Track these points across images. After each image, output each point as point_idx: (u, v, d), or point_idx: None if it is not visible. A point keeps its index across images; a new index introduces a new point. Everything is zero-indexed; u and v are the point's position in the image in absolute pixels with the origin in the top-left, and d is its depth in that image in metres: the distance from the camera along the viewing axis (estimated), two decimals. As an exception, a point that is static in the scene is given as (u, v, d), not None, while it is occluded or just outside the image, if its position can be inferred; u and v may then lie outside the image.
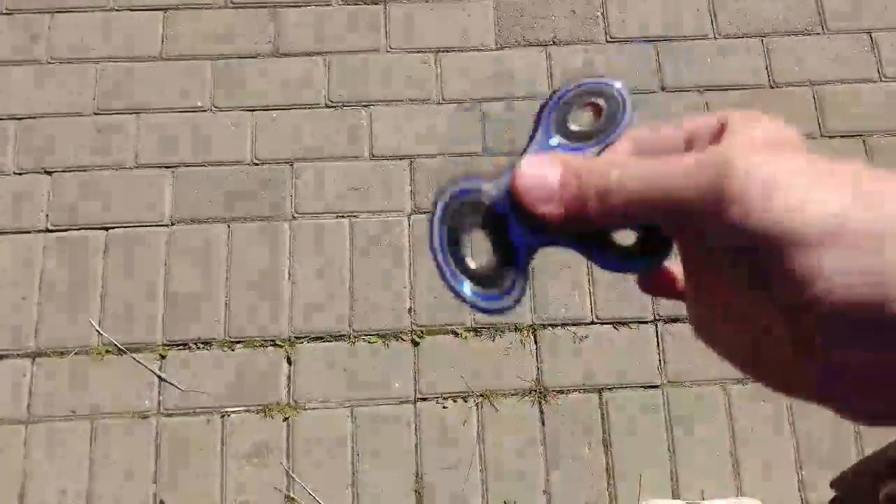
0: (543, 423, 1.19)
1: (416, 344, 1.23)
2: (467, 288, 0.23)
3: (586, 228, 0.21)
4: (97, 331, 1.22)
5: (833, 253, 0.17)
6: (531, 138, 0.24)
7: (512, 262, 0.23)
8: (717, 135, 0.22)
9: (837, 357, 0.18)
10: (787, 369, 0.20)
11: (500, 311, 0.23)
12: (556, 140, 0.23)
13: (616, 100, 0.24)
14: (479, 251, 0.23)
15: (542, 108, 0.24)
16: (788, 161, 0.18)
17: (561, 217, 0.21)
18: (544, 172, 0.21)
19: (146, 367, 1.20)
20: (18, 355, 1.21)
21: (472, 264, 0.23)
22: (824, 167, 0.18)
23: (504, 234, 0.23)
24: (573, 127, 0.24)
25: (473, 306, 0.23)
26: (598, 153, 0.23)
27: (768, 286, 0.18)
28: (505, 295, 0.23)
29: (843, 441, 1.18)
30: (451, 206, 0.23)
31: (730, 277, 0.20)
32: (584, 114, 0.24)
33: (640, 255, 0.24)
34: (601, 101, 0.24)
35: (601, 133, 0.23)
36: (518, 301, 0.23)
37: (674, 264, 0.25)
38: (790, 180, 0.18)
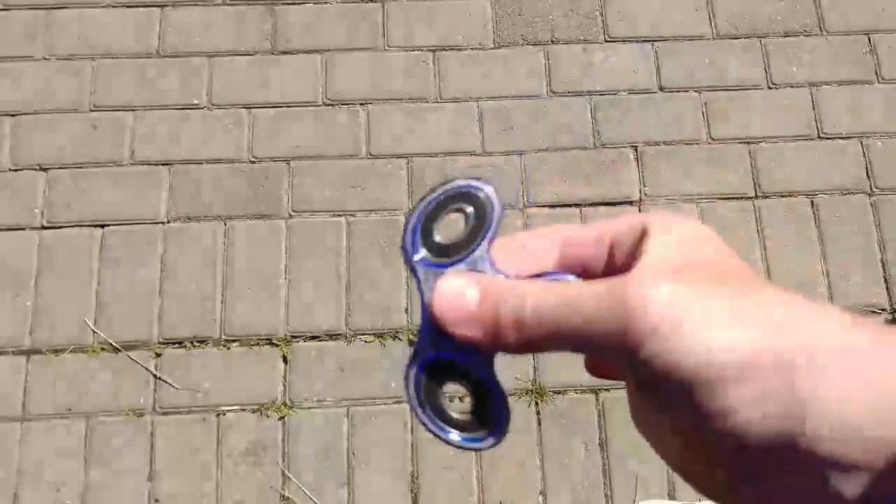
0: (540, 424, 1.19)
1: (412, 343, 1.23)
2: (455, 436, 0.23)
3: (493, 350, 0.22)
4: (92, 329, 1.22)
5: (743, 390, 0.17)
6: (403, 250, 0.23)
7: (486, 399, 0.23)
8: (639, 241, 0.22)
9: (747, 491, 0.18)
10: (709, 485, 0.20)
11: (492, 447, 0.23)
12: (419, 255, 0.23)
13: (484, 206, 0.23)
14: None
15: (408, 219, 0.24)
16: (693, 294, 0.18)
17: (474, 340, 0.21)
18: (465, 291, 0.21)
19: (142, 365, 1.20)
20: (14, 353, 1.20)
21: (453, 414, 0.23)
22: (730, 297, 0.18)
23: (472, 376, 0.23)
24: (438, 239, 0.23)
25: (468, 449, 0.23)
26: (468, 269, 0.22)
27: (685, 417, 0.18)
28: (490, 436, 0.23)
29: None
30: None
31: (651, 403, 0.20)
32: (452, 220, 0.23)
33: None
34: (468, 208, 0.23)
35: (466, 246, 0.23)
36: (505, 434, 0.23)
37: None
38: (694, 317, 0.18)
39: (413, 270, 0.23)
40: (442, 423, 0.23)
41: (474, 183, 0.23)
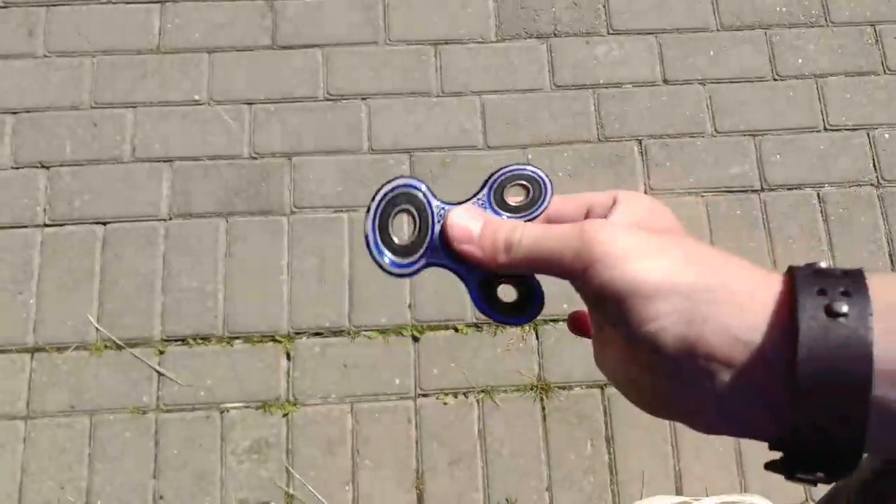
0: (545, 419, 1.18)
1: (416, 339, 1.22)
2: (387, 258, 0.29)
3: (493, 269, 0.29)
4: (95, 326, 1.21)
5: (659, 305, 0.23)
6: (474, 194, 0.31)
7: (426, 239, 0.29)
8: (611, 207, 0.29)
9: (668, 389, 0.25)
10: (648, 394, 0.27)
11: (409, 276, 0.29)
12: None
13: (540, 185, 0.31)
14: (399, 230, 0.30)
15: (488, 178, 0.31)
16: (637, 237, 0.25)
17: (475, 256, 0.28)
18: (469, 223, 0.29)
19: (145, 362, 1.20)
20: (17, 350, 1.20)
21: (394, 239, 0.29)
22: (663, 242, 0.25)
23: (423, 214, 0.30)
24: (510, 202, 0.31)
25: (387, 272, 0.29)
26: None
27: (620, 326, 0.24)
28: (415, 265, 0.29)
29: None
30: (390, 193, 0.29)
31: (599, 319, 0.28)
32: (514, 189, 0.31)
33: (515, 312, 0.31)
34: (529, 185, 0.31)
35: (527, 209, 0.31)
36: (422, 269, 0.30)
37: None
38: (629, 252, 0.24)
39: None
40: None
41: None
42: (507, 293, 0.31)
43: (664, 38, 1.42)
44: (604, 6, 1.44)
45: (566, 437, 1.18)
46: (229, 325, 1.22)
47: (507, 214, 0.31)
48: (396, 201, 0.29)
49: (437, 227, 0.29)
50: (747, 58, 1.41)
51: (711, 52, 1.41)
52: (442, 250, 0.29)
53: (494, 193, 0.31)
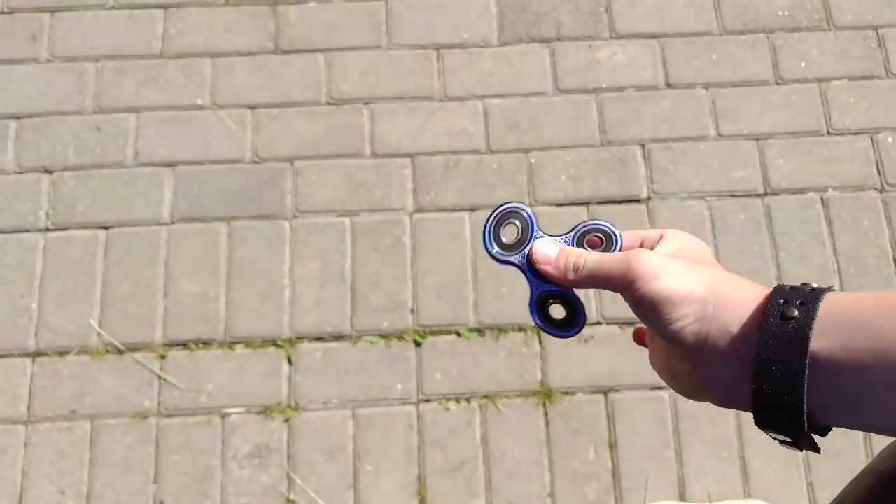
0: (548, 425, 1.18)
1: (418, 344, 1.22)
2: (494, 248, 0.42)
3: (563, 284, 0.40)
4: (97, 331, 1.21)
5: (681, 310, 0.32)
6: (563, 234, 0.42)
7: (523, 247, 0.42)
8: (657, 241, 0.39)
9: (689, 372, 0.35)
10: (683, 381, 0.37)
11: (502, 264, 0.41)
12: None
13: (613, 239, 0.41)
14: (507, 235, 0.42)
15: (576, 225, 0.42)
16: (668, 262, 0.34)
17: (550, 274, 0.40)
18: (549, 250, 0.40)
19: (146, 367, 1.20)
20: (18, 355, 1.20)
21: (503, 238, 0.42)
22: (688, 266, 0.34)
23: (526, 229, 0.42)
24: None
25: (491, 256, 0.41)
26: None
27: (654, 327, 0.34)
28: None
29: (853, 441, 1.16)
30: (508, 209, 0.42)
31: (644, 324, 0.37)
32: (593, 238, 0.41)
33: (564, 326, 0.41)
34: (604, 237, 0.41)
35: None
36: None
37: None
38: (665, 272, 0.33)
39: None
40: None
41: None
42: (556, 312, 0.41)
43: (667, 42, 1.42)
44: (606, 10, 1.44)
45: (569, 443, 1.17)
46: (231, 329, 1.22)
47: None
48: (510, 216, 0.42)
49: (530, 246, 0.41)
50: (750, 62, 1.41)
51: (714, 56, 1.41)
52: (527, 266, 0.41)
53: (577, 238, 0.41)
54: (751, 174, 1.33)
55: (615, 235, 0.41)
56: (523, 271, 0.41)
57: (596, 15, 1.44)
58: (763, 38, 1.42)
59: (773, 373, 0.29)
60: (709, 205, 1.31)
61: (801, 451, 0.33)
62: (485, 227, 0.42)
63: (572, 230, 0.42)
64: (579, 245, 0.41)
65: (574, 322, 0.41)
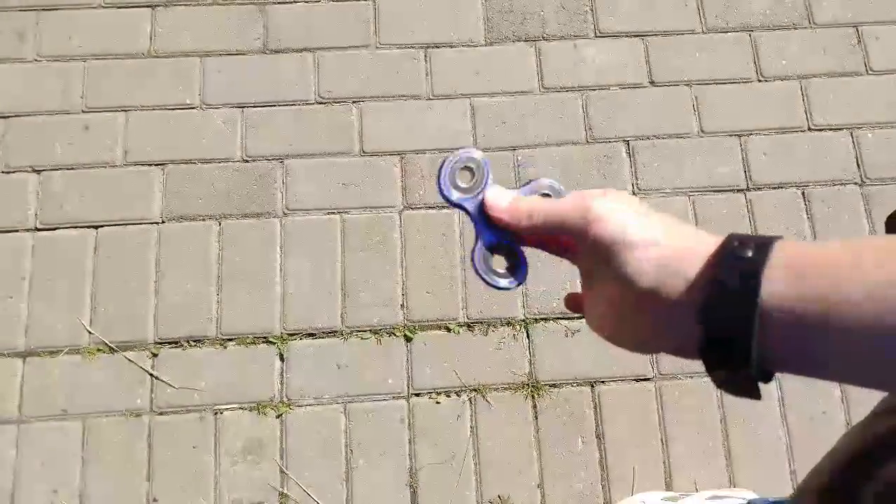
0: (536, 417, 1.20)
1: (408, 339, 1.23)
2: (452, 191, 0.42)
3: (516, 230, 0.39)
4: (87, 330, 1.21)
5: (642, 250, 0.32)
6: (439, 188, 0.42)
7: (477, 191, 0.42)
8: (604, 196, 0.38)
9: (640, 320, 0.34)
10: (628, 333, 0.35)
11: (455, 207, 0.41)
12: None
13: (482, 168, 0.42)
14: (463, 180, 0.42)
15: (528, 182, 0.42)
16: (625, 204, 0.34)
17: (503, 221, 0.40)
18: (502, 197, 0.40)
19: (138, 365, 1.20)
20: (9, 355, 1.20)
21: (459, 183, 0.42)
22: (643, 210, 0.34)
23: (480, 174, 0.42)
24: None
25: (446, 198, 0.41)
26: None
27: (609, 267, 0.33)
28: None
29: (835, 429, 1.19)
30: (463, 155, 0.42)
31: (594, 270, 0.36)
32: (463, 173, 0.42)
33: (505, 277, 0.42)
34: (473, 166, 0.42)
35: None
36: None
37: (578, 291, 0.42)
38: (624, 214, 0.34)
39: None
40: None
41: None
42: (498, 263, 0.42)
43: (651, 40, 1.44)
44: (591, 9, 1.46)
45: (557, 434, 1.19)
46: (222, 327, 1.23)
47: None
48: (466, 162, 0.42)
49: (483, 193, 0.41)
50: (732, 59, 1.43)
51: (697, 54, 1.43)
52: (478, 213, 0.41)
53: (450, 180, 0.42)
54: (733, 170, 1.36)
55: (563, 193, 0.41)
56: (473, 219, 0.41)
57: (581, 14, 1.45)
58: (745, 35, 1.45)
59: (726, 305, 0.29)
60: (692, 200, 1.34)
61: (743, 396, 0.33)
62: (440, 169, 0.42)
63: (522, 187, 0.42)
64: (455, 186, 0.42)
65: (516, 274, 0.41)
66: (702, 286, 0.30)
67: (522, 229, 0.38)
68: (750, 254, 0.29)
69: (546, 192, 0.42)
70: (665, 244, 0.32)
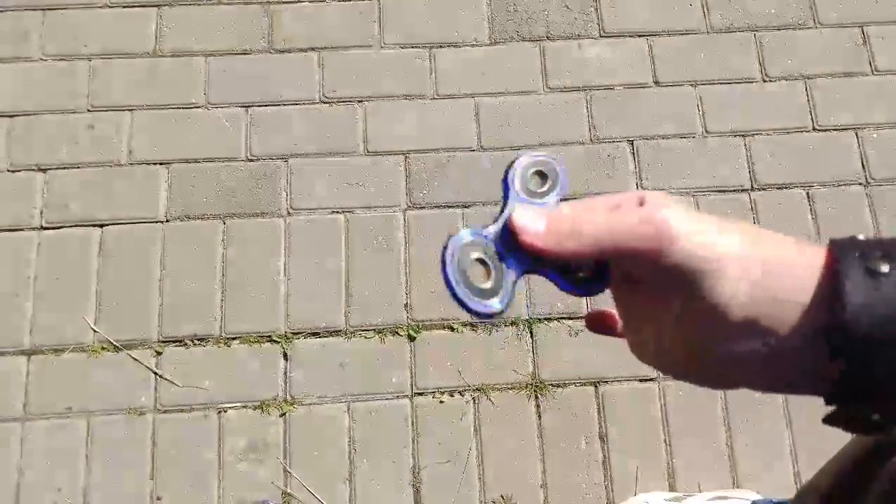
0: (540, 417, 1.20)
1: (412, 339, 1.23)
2: (473, 304, 0.30)
3: (559, 259, 0.29)
4: (92, 329, 1.22)
5: (732, 273, 0.25)
6: (505, 197, 0.32)
7: (502, 283, 0.30)
8: (640, 205, 0.30)
9: (721, 351, 0.27)
10: (712, 371, 0.28)
11: (489, 317, 0.30)
12: (523, 195, 0.32)
13: (556, 171, 0.33)
14: (478, 277, 0.30)
15: (507, 171, 0.33)
16: (698, 217, 0.27)
17: (543, 249, 0.29)
18: (534, 219, 0.29)
19: (142, 363, 1.20)
20: (14, 353, 1.20)
21: (479, 284, 0.30)
22: (720, 221, 0.27)
23: (496, 261, 0.31)
24: (531, 187, 0.32)
25: (475, 312, 0.30)
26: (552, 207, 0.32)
27: (690, 300, 0.26)
28: (498, 305, 0.30)
29: (838, 431, 1.19)
30: (460, 245, 0.30)
31: (652, 298, 0.29)
32: (533, 177, 0.33)
33: (586, 283, 0.32)
34: (545, 170, 0.33)
35: (548, 193, 0.32)
36: (505, 308, 0.30)
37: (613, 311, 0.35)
38: (705, 232, 0.26)
39: (504, 198, 0.32)
40: (467, 290, 0.30)
41: (547, 156, 0.33)
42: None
43: (655, 40, 1.44)
44: (595, 9, 1.46)
45: (560, 434, 1.19)
46: (227, 326, 1.23)
47: (535, 201, 0.33)
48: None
49: (506, 215, 0.31)
50: (737, 59, 1.43)
51: (702, 54, 1.43)
52: (500, 240, 0.31)
53: (521, 184, 0.33)
54: (738, 170, 1.35)
55: (559, 175, 0.33)
56: (495, 242, 0.31)
57: (585, 14, 1.45)
58: (749, 35, 1.45)
59: (871, 341, 0.23)
60: (696, 200, 1.34)
61: (868, 434, 0.27)
62: (511, 172, 0.33)
63: (509, 169, 0.33)
64: (526, 191, 0.32)
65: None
66: (820, 312, 0.24)
67: (565, 256, 0.28)
68: (885, 268, 0.24)
69: (539, 169, 0.33)
70: (752, 262, 0.26)
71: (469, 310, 0.29)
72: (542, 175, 0.33)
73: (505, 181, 0.32)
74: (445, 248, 0.30)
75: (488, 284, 0.30)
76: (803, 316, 0.24)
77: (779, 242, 0.27)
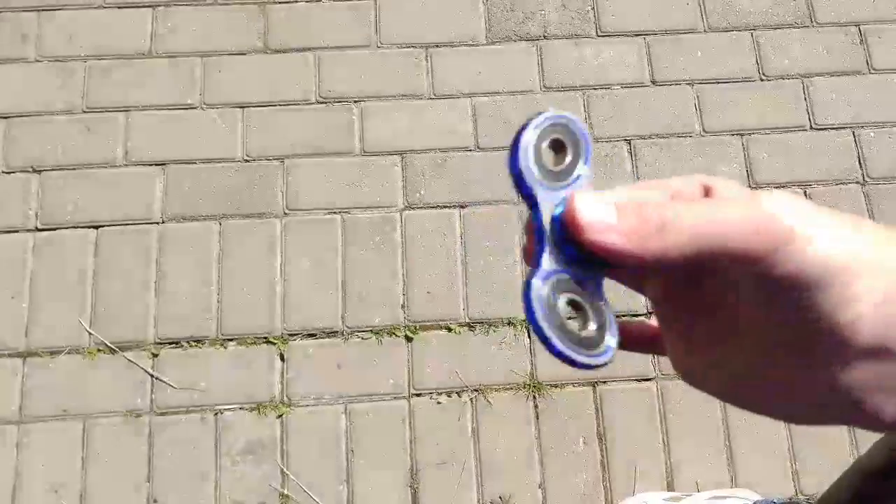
0: (538, 418, 1.19)
1: (409, 339, 1.23)
2: (584, 358, 0.23)
3: (640, 265, 0.21)
4: (88, 331, 1.21)
5: (861, 285, 0.20)
6: (522, 190, 0.24)
7: (603, 313, 0.23)
8: (706, 195, 0.24)
9: (845, 379, 0.21)
10: (805, 393, 0.22)
11: (610, 361, 0.23)
12: (544, 183, 0.23)
13: (574, 133, 0.24)
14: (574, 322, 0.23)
15: (514, 157, 0.23)
16: (820, 211, 0.21)
17: (623, 251, 0.21)
18: (605, 213, 0.21)
19: (138, 365, 1.20)
20: (9, 355, 1.20)
21: (576, 331, 0.23)
22: (842, 220, 0.21)
23: (584, 297, 0.23)
24: (548, 166, 0.24)
25: (595, 367, 0.23)
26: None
27: (804, 315, 0.20)
28: (608, 350, 0.24)
29: (838, 430, 1.19)
30: (548, 293, 0.22)
31: (733, 313, 0.23)
32: (547, 152, 0.24)
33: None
34: (561, 137, 0.24)
35: (573, 168, 0.24)
36: (609, 357, 0.23)
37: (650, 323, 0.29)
38: (826, 230, 0.20)
39: (528, 195, 0.23)
40: (569, 342, 0.22)
41: (563, 114, 0.24)
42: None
43: (652, 39, 1.43)
44: (592, 8, 1.45)
45: (558, 434, 1.19)
46: (223, 327, 1.23)
47: (553, 185, 0.24)
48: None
49: (568, 194, 0.23)
50: (734, 58, 1.43)
51: (699, 53, 1.43)
52: (557, 231, 0.22)
53: (535, 161, 0.24)
54: (735, 169, 1.35)
55: (580, 132, 0.25)
56: (538, 231, 0.23)
57: (582, 13, 1.45)
58: (747, 34, 1.45)
59: None
60: (694, 199, 1.33)
61: None
62: (520, 132, 0.23)
63: (520, 137, 0.23)
64: (544, 174, 0.23)
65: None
66: None
67: (647, 259, 0.21)
68: None
69: (553, 138, 0.24)
70: (880, 268, 0.20)
71: (588, 367, 0.23)
72: (557, 146, 0.24)
73: (516, 170, 0.23)
74: (528, 296, 0.21)
75: (593, 326, 0.23)
76: None
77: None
